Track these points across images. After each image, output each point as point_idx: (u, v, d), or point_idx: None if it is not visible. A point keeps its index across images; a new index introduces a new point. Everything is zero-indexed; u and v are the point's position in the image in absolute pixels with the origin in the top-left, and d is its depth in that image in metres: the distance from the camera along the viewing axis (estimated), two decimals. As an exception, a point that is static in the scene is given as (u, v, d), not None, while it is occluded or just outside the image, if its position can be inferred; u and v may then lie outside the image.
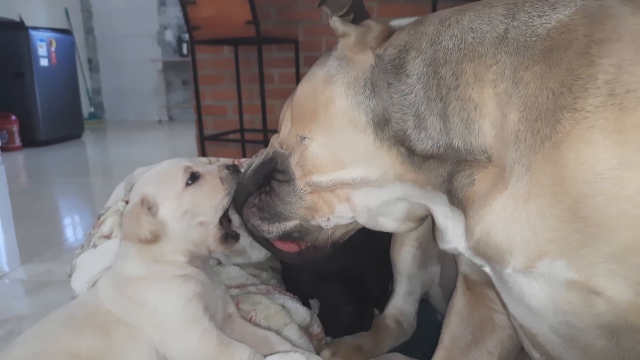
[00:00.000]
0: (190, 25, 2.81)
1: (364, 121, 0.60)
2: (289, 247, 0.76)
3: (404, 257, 0.98)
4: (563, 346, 0.55)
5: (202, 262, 0.81)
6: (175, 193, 0.75)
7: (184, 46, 6.39)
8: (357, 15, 0.65)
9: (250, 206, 0.73)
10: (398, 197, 0.64)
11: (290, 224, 0.71)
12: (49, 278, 1.60)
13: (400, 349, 0.97)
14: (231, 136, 3.30)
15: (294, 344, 0.80)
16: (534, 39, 0.49)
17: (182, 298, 0.72)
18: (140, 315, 0.72)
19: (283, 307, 0.86)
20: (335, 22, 0.65)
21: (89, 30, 6.89)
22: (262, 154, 0.75)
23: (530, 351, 0.62)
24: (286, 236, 0.73)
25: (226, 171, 0.79)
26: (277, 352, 0.73)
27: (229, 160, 0.83)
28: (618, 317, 0.46)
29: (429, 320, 1.08)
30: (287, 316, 0.85)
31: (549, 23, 0.49)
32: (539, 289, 0.50)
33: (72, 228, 2.25)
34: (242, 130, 3.30)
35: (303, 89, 0.68)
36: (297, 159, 0.67)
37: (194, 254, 0.78)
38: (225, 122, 3.44)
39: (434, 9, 2.58)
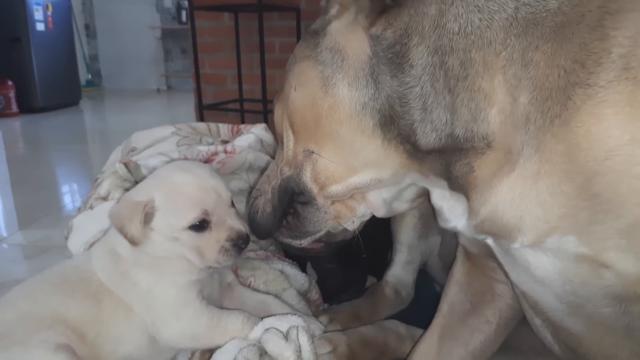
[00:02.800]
0: (190, -10, 2.76)
1: (371, 125, 0.57)
2: (314, 245, 0.76)
3: (405, 227, 0.99)
4: (566, 312, 0.55)
5: None
6: (176, 225, 0.70)
7: (184, 13, 6.27)
8: None
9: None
10: (408, 184, 0.64)
11: (320, 234, 0.72)
12: (48, 244, 1.61)
13: (398, 317, 0.97)
14: (230, 106, 3.28)
15: (292, 309, 0.81)
16: (545, 14, 0.47)
17: (175, 285, 0.71)
18: (132, 293, 0.70)
19: (282, 272, 0.87)
20: None
21: (86, -5, 6.79)
22: (274, 186, 0.72)
23: (533, 319, 0.63)
24: (315, 241, 0.74)
25: (231, 243, 0.71)
26: (275, 315, 0.73)
27: (244, 225, 0.75)
28: (627, 288, 0.46)
29: (427, 290, 1.08)
30: (285, 281, 0.85)
31: None
32: (547, 262, 0.50)
33: (70, 195, 2.27)
34: (241, 99, 3.28)
35: (299, 96, 0.63)
36: (310, 174, 0.64)
37: None
38: (224, 91, 3.41)
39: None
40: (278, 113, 0.69)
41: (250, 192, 0.85)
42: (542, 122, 0.46)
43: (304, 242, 0.74)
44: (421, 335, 0.74)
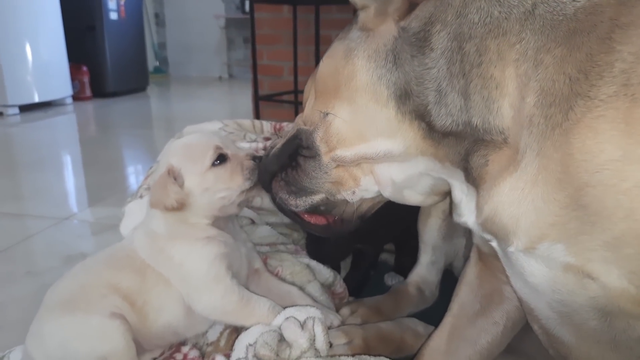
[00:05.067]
0: (250, -16, 2.84)
1: (385, 95, 0.60)
2: (317, 220, 0.77)
3: (430, 228, 1.01)
4: (558, 322, 0.57)
5: (226, 222, 0.86)
6: (200, 170, 0.79)
7: (247, 3, 6.40)
8: None
9: (278, 180, 0.75)
10: (421, 171, 0.65)
11: (316, 198, 0.72)
12: (113, 222, 1.69)
13: (422, 316, 0.99)
14: (285, 97, 3.35)
15: (315, 300, 0.86)
16: (561, 18, 0.48)
17: (205, 259, 0.78)
18: (168, 268, 0.79)
19: (307, 265, 0.92)
20: None
21: (157, -15, 7.06)
22: (288, 133, 0.75)
23: (532, 323, 0.65)
24: (313, 209, 0.74)
25: (251, 162, 0.81)
26: (297, 305, 0.79)
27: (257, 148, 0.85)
28: (611, 302, 0.47)
29: (453, 290, 1.10)
30: (310, 274, 0.91)
31: (578, 1, 0.47)
32: (538, 268, 0.51)
33: (134, 176, 2.38)
34: (295, 91, 3.33)
35: (325, 65, 0.68)
36: (322, 134, 0.67)
37: (218, 217, 0.83)
38: (280, 82, 3.49)
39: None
40: (308, 85, 0.74)
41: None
42: (545, 128, 0.47)
43: (300, 204, 0.73)
44: (431, 333, 0.77)
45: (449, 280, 1.07)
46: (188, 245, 0.80)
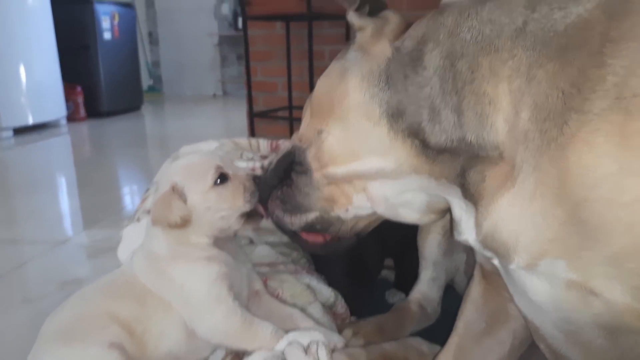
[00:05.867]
0: (243, 0, 2.86)
1: (377, 113, 0.61)
2: (314, 238, 0.77)
3: (430, 244, 1.01)
4: (564, 341, 0.56)
5: (226, 242, 0.85)
6: (202, 189, 0.79)
7: (240, 20, 6.44)
8: (374, 6, 0.65)
9: (274, 199, 0.76)
10: (415, 188, 0.65)
11: (311, 216, 0.73)
12: (109, 245, 1.67)
13: (424, 333, 0.98)
14: (280, 113, 3.35)
15: (317, 322, 0.85)
16: (552, 34, 0.48)
17: (206, 279, 0.78)
18: (169, 290, 0.78)
19: (308, 286, 0.91)
20: (352, 17, 0.66)
21: (150, 4, 7.07)
22: (283, 149, 0.77)
23: (538, 342, 0.64)
24: (309, 228, 0.74)
25: (252, 182, 0.82)
26: (299, 329, 0.78)
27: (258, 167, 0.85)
28: (616, 318, 0.46)
29: (456, 307, 1.09)
30: (311, 295, 0.90)
31: (568, 18, 0.48)
32: (540, 286, 0.51)
33: (130, 197, 2.38)
34: (290, 107, 3.34)
35: (320, 84, 0.69)
36: (314, 152, 0.68)
37: (218, 237, 0.83)
38: (275, 98, 3.49)
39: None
40: (306, 105, 0.75)
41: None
42: (540, 143, 0.47)
43: (295, 223, 0.74)
44: (437, 353, 0.76)
45: (450, 296, 1.07)
46: (189, 265, 0.79)
